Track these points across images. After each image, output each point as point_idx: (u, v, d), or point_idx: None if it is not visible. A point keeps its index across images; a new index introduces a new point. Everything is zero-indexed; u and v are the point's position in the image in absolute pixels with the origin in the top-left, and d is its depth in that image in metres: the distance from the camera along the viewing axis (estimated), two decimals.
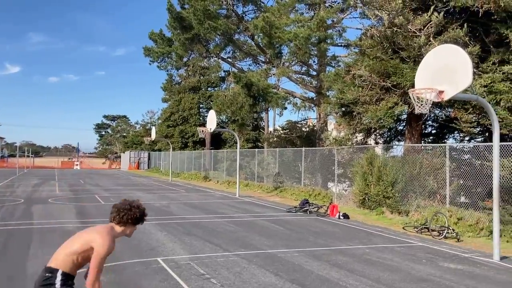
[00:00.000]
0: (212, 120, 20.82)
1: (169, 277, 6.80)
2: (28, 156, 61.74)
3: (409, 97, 8.87)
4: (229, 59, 31.59)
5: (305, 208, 15.60)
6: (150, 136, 35.75)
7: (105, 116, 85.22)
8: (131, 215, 3.81)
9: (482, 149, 12.67)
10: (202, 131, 22.34)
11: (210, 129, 20.74)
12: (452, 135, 17.50)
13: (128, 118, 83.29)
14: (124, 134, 77.19)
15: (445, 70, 8.38)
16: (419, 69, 9.11)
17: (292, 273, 7.22)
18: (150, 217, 13.27)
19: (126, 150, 62.71)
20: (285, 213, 15.28)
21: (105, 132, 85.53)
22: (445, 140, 17.47)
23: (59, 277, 3.58)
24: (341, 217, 14.24)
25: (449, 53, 8.50)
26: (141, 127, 70.66)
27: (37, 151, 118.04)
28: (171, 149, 38.35)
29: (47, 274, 3.60)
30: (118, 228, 3.84)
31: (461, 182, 13.17)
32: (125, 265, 7.52)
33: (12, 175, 39.48)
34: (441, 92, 8.31)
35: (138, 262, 7.71)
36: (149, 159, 58.22)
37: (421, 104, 8.62)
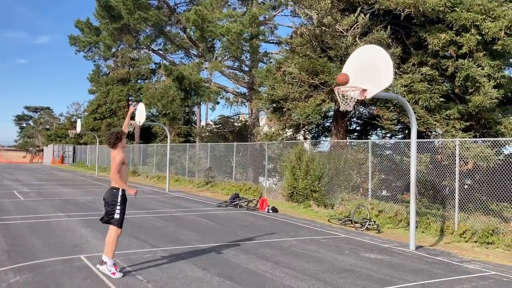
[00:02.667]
0: (141, 113, 20.27)
1: (92, 275, 6.58)
2: None
3: (336, 95, 9.18)
4: (160, 51, 30.92)
5: (235, 203, 15.72)
6: (75, 129, 34.09)
7: (26, 107, 79.91)
8: (111, 138, 6.59)
9: (402, 146, 13.43)
10: (131, 124, 21.70)
11: (139, 122, 20.20)
12: (375, 132, 18.36)
13: (52, 109, 78.61)
14: (48, 126, 73.04)
15: (368, 70, 8.77)
16: (344, 68, 9.44)
17: (220, 267, 7.26)
18: (74, 213, 12.78)
19: (49, 143, 59.40)
20: (216, 208, 15.29)
21: (27, 124, 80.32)
22: (369, 137, 18.30)
23: (120, 192, 6.58)
24: (270, 210, 14.50)
25: (373, 53, 8.88)
26: (65, 120, 67.21)
27: None
28: (97, 142, 36.91)
29: (113, 190, 6.57)
30: (119, 147, 6.58)
31: (383, 176, 13.89)
32: (46, 263, 7.16)
33: None
34: (364, 90, 8.68)
35: (60, 260, 7.38)
36: (74, 153, 55.62)
37: (346, 102, 8.96)
